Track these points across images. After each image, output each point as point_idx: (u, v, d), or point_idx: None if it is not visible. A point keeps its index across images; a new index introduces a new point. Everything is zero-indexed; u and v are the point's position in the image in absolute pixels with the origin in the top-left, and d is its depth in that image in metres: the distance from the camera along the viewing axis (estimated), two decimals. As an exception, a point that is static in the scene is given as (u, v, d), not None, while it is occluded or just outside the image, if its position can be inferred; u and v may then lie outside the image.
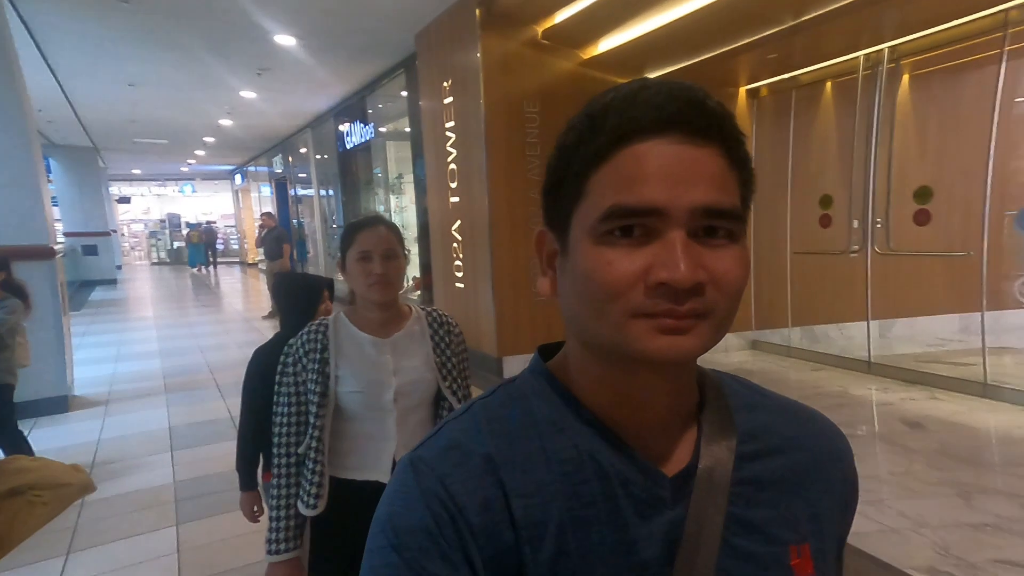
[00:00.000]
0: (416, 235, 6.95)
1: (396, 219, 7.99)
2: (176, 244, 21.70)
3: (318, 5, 5.01)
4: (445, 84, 5.20)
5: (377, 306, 1.36)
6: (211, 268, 19.15)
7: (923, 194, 4.46)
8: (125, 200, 22.89)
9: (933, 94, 5.03)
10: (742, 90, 5.44)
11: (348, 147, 9.03)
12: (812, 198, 5.16)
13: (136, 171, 20.82)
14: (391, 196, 8.35)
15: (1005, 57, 3.77)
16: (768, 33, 3.97)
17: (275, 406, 1.36)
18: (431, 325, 1.45)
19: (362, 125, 8.48)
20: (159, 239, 22.37)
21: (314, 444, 1.32)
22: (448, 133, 5.22)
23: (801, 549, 0.45)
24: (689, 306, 0.39)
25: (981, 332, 4.13)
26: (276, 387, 1.36)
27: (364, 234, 1.34)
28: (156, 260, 22.16)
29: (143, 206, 24.60)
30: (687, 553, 0.42)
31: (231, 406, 4.66)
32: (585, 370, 0.47)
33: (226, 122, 10.46)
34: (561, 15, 4.50)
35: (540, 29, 4.72)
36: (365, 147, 8.64)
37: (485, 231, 4.80)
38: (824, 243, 5.08)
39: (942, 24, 3.90)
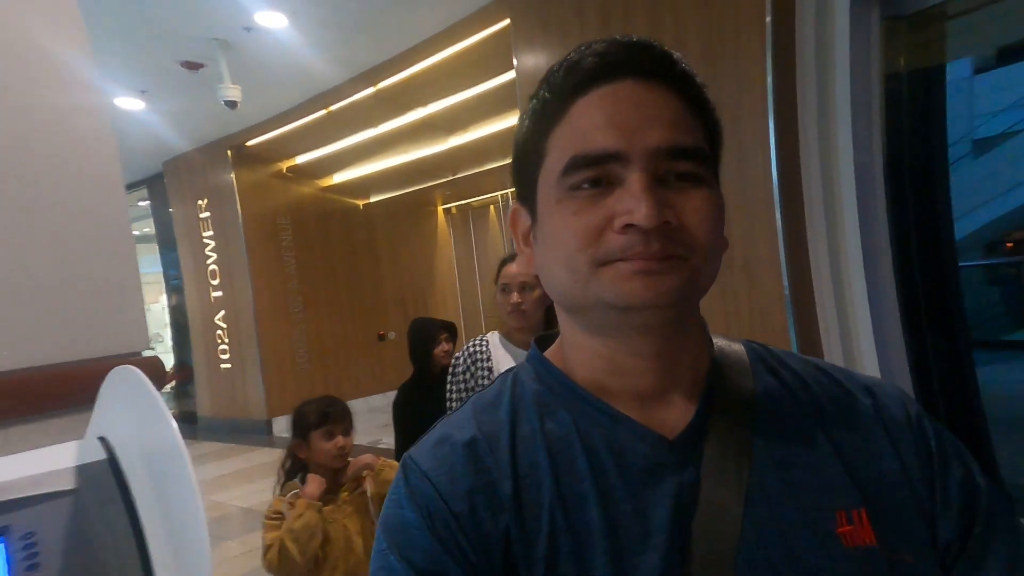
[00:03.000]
0: (170, 332, 7.38)
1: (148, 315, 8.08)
2: None
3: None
4: (200, 202, 6.28)
5: (516, 330, 1.64)
6: None
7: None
8: None
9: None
10: (440, 208, 7.88)
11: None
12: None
13: None
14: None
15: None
16: (443, 180, 6.37)
17: (448, 403, 1.67)
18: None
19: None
20: None
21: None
22: (206, 240, 6.25)
23: (854, 514, 0.40)
24: (659, 247, 0.38)
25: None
26: (448, 393, 1.66)
27: (505, 267, 1.61)
28: None
29: None
30: (705, 518, 0.39)
31: None
32: (576, 346, 0.46)
33: None
34: (300, 158, 6.19)
35: (284, 166, 6.32)
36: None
37: (251, 317, 5.92)
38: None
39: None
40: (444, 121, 5.08)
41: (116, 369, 0.78)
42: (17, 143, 1.02)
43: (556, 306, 0.47)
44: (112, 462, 0.74)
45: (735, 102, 2.31)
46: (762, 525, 0.39)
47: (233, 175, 5.93)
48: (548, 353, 0.49)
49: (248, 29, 3.54)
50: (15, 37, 1.09)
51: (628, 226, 0.38)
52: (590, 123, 0.40)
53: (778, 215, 2.22)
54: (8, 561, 0.66)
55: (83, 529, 0.71)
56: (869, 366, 2.11)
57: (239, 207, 5.92)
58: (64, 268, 1.05)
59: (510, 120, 4.67)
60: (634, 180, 0.38)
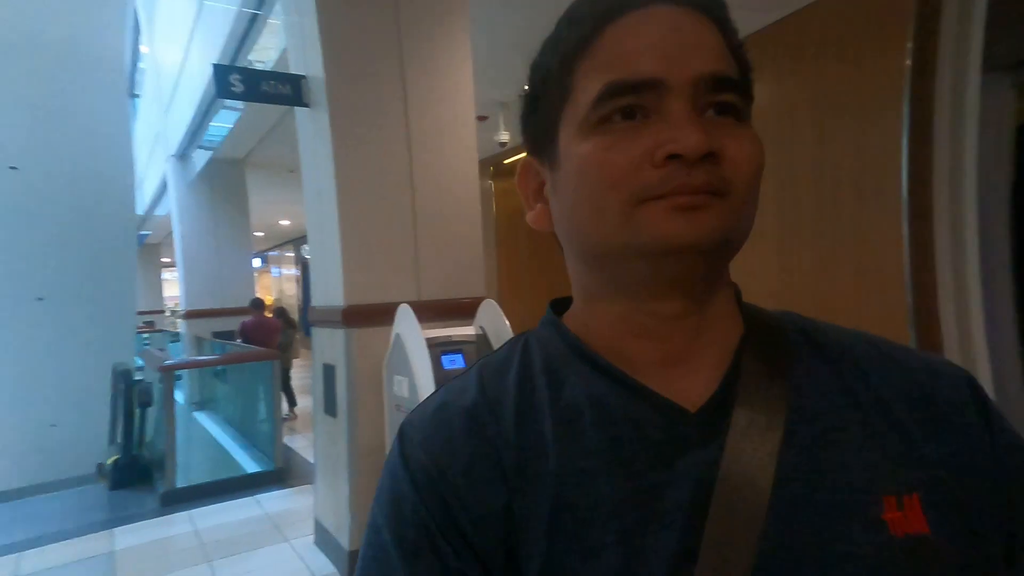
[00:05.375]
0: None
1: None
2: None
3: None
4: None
5: None
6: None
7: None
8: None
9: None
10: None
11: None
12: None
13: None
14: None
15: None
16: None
17: None
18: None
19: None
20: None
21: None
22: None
23: (905, 500, 0.35)
24: (704, 178, 0.34)
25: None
26: None
27: None
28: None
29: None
30: (724, 497, 0.35)
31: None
32: (595, 307, 0.42)
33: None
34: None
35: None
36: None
37: (495, 290, 7.89)
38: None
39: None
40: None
41: (486, 300, 2.56)
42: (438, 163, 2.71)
43: (574, 264, 0.43)
44: (483, 335, 2.42)
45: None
46: (793, 506, 0.35)
47: (492, 183, 7.92)
48: (565, 317, 0.45)
49: (520, 95, 5.15)
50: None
51: (671, 157, 0.34)
52: (626, 48, 0.36)
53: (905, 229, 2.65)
54: (464, 362, 2.33)
55: (479, 354, 2.37)
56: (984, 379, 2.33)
57: (493, 207, 7.90)
58: (456, 253, 2.77)
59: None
60: (677, 108, 0.35)
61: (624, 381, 0.40)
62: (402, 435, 0.42)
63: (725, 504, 0.35)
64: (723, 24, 0.39)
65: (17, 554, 3.25)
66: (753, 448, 0.36)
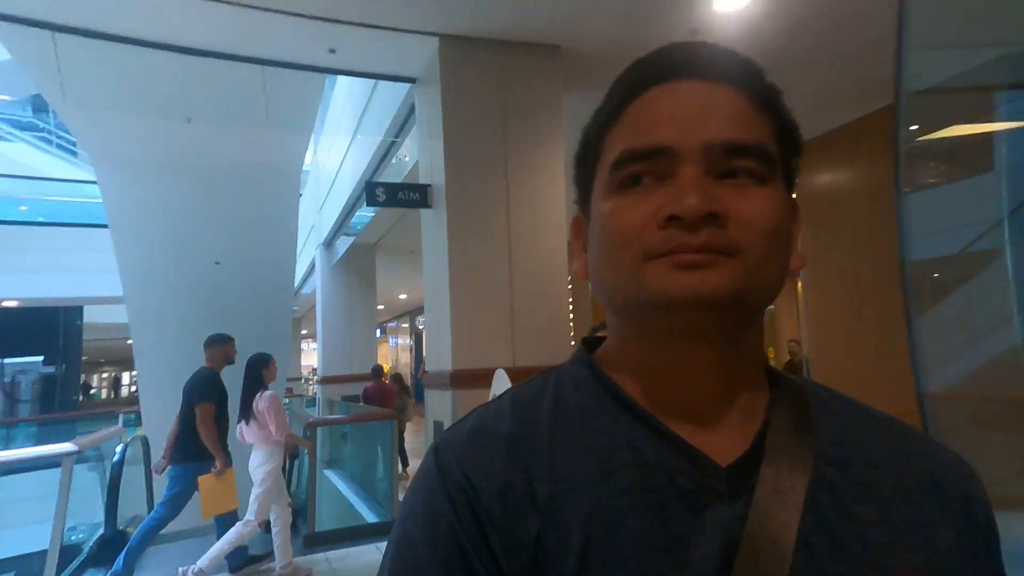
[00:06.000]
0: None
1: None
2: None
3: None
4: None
5: None
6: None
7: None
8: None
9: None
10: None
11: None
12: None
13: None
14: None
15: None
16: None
17: None
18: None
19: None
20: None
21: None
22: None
23: None
24: (704, 238, 0.36)
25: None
26: None
27: None
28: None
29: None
30: (748, 555, 0.35)
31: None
32: (626, 353, 0.43)
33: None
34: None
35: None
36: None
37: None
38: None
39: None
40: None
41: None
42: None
43: (607, 311, 0.45)
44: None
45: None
46: (815, 572, 0.36)
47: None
48: (596, 357, 0.46)
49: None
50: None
51: (672, 218, 0.37)
52: (645, 118, 0.40)
53: None
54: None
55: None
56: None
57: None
58: (546, 327, 3.33)
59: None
60: (685, 173, 0.37)
61: (658, 428, 0.40)
62: (438, 452, 0.42)
63: (750, 562, 0.35)
64: (756, 93, 0.40)
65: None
66: (778, 510, 0.37)
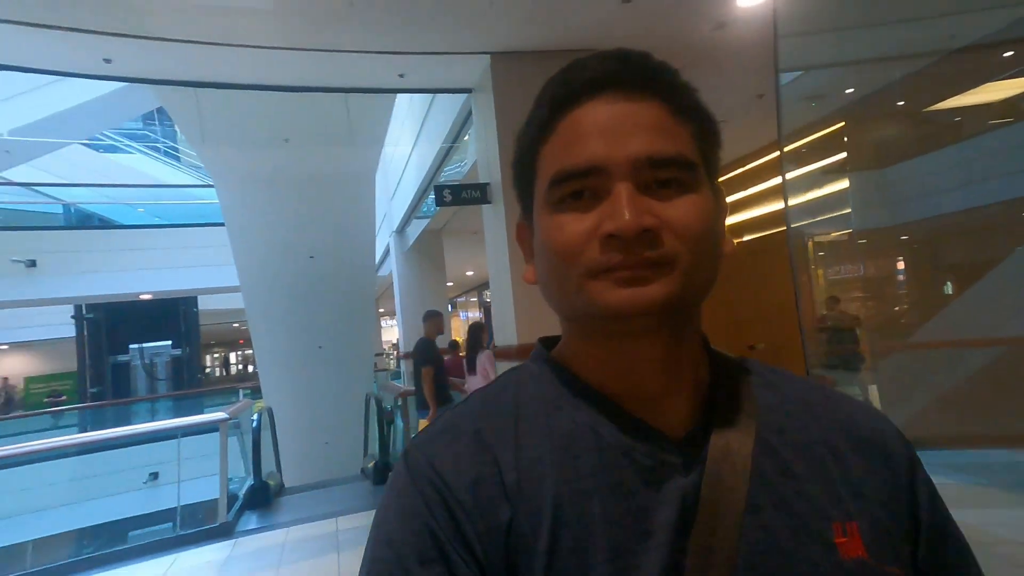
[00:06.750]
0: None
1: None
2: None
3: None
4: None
5: None
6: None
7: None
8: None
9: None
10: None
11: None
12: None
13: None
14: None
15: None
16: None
17: None
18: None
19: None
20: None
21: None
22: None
23: (847, 527, 0.41)
24: (642, 255, 0.39)
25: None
26: None
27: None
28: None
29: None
30: (705, 519, 0.40)
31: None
32: (579, 350, 0.47)
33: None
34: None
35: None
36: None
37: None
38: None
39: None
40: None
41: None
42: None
43: (559, 315, 0.47)
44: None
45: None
46: (764, 531, 0.40)
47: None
48: (554, 354, 0.50)
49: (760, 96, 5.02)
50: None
51: (610, 236, 0.39)
52: (574, 137, 0.42)
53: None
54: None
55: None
56: None
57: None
58: None
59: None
60: (618, 190, 0.40)
61: (614, 410, 0.44)
62: (407, 455, 0.44)
63: (706, 525, 0.39)
64: (675, 100, 0.43)
65: (319, 521, 4.20)
66: (727, 480, 0.41)
